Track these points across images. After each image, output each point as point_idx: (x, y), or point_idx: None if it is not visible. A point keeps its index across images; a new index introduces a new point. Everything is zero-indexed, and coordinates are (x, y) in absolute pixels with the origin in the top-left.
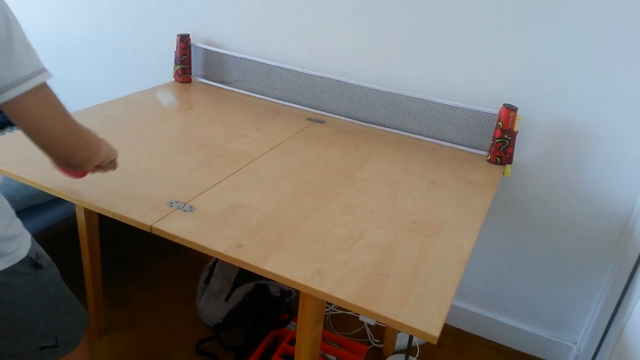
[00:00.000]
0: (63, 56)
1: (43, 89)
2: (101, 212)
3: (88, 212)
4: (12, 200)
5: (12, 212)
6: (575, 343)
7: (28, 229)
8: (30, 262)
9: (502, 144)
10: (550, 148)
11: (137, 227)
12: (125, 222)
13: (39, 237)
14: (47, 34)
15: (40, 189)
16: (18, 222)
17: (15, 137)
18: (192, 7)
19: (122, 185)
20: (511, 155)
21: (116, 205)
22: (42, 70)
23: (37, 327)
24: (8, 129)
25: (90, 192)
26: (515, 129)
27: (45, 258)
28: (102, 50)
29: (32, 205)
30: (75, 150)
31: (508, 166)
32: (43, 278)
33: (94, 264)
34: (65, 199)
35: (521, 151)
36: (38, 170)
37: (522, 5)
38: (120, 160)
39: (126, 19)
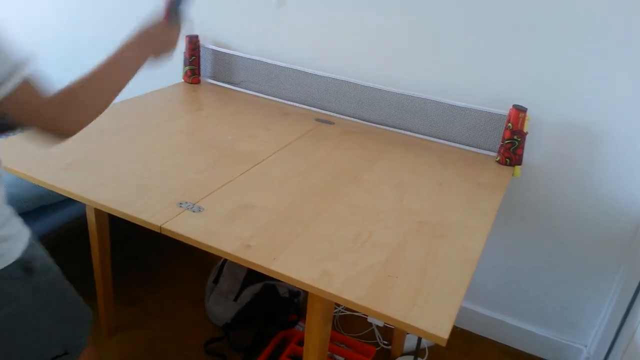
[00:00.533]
0: (75, 59)
1: (23, 84)
2: (111, 213)
3: (98, 213)
4: (23, 200)
5: (9, 212)
6: (586, 346)
7: (39, 229)
8: (22, 266)
9: (511, 145)
10: (560, 148)
11: (147, 227)
12: (135, 222)
13: (50, 236)
14: (59, 38)
15: (51, 189)
16: (15, 223)
17: (27, 138)
18: (201, 8)
19: (132, 185)
20: (521, 156)
21: (126, 205)
22: (17, 66)
23: (43, 334)
24: (19, 128)
25: (101, 193)
26: (525, 130)
27: (42, 261)
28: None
29: (43, 205)
30: (60, 124)
31: (518, 167)
32: (37, 282)
33: (104, 264)
34: (76, 199)
35: (531, 152)
36: (49, 170)
37: (531, 5)
38: (130, 161)
39: (136, 21)
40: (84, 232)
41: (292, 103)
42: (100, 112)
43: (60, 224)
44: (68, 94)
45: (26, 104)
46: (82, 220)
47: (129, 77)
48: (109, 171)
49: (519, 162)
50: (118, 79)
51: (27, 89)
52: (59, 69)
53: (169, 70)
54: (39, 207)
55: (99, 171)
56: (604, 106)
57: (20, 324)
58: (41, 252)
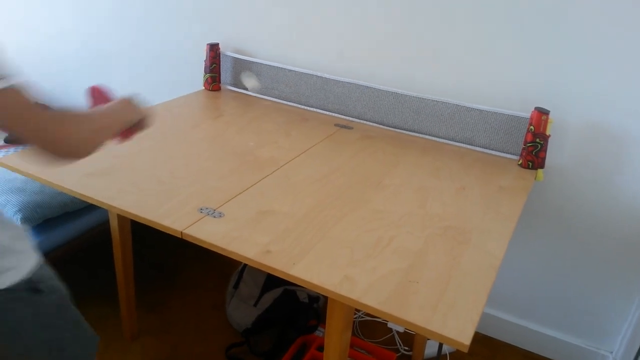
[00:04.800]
0: (98, 68)
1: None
2: (133, 219)
3: (121, 219)
4: (47, 207)
5: (22, 229)
6: (612, 352)
7: (63, 236)
8: (30, 286)
9: (534, 148)
10: (583, 151)
11: (168, 232)
12: (157, 228)
13: (74, 243)
14: (83, 47)
15: (75, 196)
16: (27, 242)
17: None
18: (221, 16)
19: (154, 191)
20: (543, 159)
21: (148, 211)
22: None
23: (42, 354)
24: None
25: (123, 199)
26: (547, 133)
27: (49, 282)
28: (134, 60)
29: (66, 212)
30: (61, 146)
31: (540, 170)
32: (43, 302)
33: (127, 269)
34: (99, 206)
35: (554, 155)
36: (73, 177)
37: (552, 6)
38: (151, 168)
39: (157, 29)
40: (107, 238)
41: (311, 109)
42: (96, 144)
43: (83, 230)
44: (68, 112)
45: (13, 106)
46: (105, 226)
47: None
48: (131, 178)
49: (541, 165)
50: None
51: (14, 94)
52: (81, 82)
53: (189, 78)
54: (63, 213)
55: (121, 178)
56: (628, 108)
57: (23, 340)
58: (49, 273)
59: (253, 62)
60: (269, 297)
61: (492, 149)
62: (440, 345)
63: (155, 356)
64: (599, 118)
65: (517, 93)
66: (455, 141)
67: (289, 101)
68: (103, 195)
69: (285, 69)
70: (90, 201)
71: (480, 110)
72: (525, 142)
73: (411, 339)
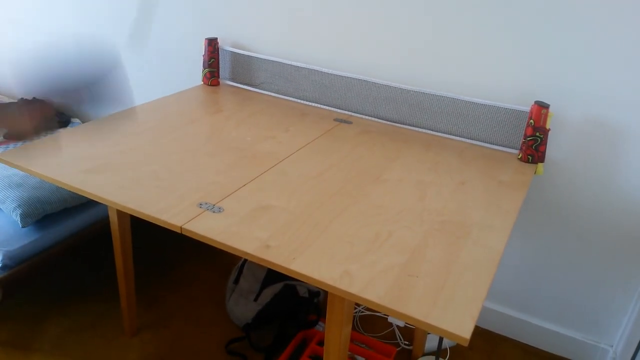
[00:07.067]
0: None
1: None
2: (133, 214)
3: (120, 214)
4: (46, 202)
5: None
6: (612, 346)
7: (62, 231)
8: None
9: (533, 142)
10: (584, 145)
11: (168, 228)
12: (157, 223)
13: (73, 238)
14: (80, 43)
15: (75, 191)
16: None
17: (51, 141)
18: (219, 11)
19: (153, 187)
20: (543, 153)
21: (147, 206)
22: None
23: None
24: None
25: (123, 195)
26: (547, 127)
27: None
28: (133, 55)
29: (66, 208)
30: None
31: (540, 165)
32: None
33: (127, 265)
34: (99, 202)
35: (554, 149)
36: (72, 173)
37: (552, 1)
38: (151, 163)
39: (156, 24)
40: (107, 234)
41: (310, 103)
42: None
43: (83, 226)
44: None
45: None
46: (104, 222)
47: None
48: (131, 173)
49: (541, 159)
50: None
51: None
52: None
53: (188, 73)
54: (63, 209)
55: (120, 173)
56: (630, 102)
57: None
58: None
59: (252, 57)
60: (269, 292)
61: (491, 143)
62: (441, 340)
63: (155, 351)
64: (599, 112)
65: (517, 87)
66: (455, 135)
67: (288, 96)
68: (102, 191)
69: (284, 63)
70: (89, 197)
71: (480, 104)
72: (525, 136)
73: (411, 333)
